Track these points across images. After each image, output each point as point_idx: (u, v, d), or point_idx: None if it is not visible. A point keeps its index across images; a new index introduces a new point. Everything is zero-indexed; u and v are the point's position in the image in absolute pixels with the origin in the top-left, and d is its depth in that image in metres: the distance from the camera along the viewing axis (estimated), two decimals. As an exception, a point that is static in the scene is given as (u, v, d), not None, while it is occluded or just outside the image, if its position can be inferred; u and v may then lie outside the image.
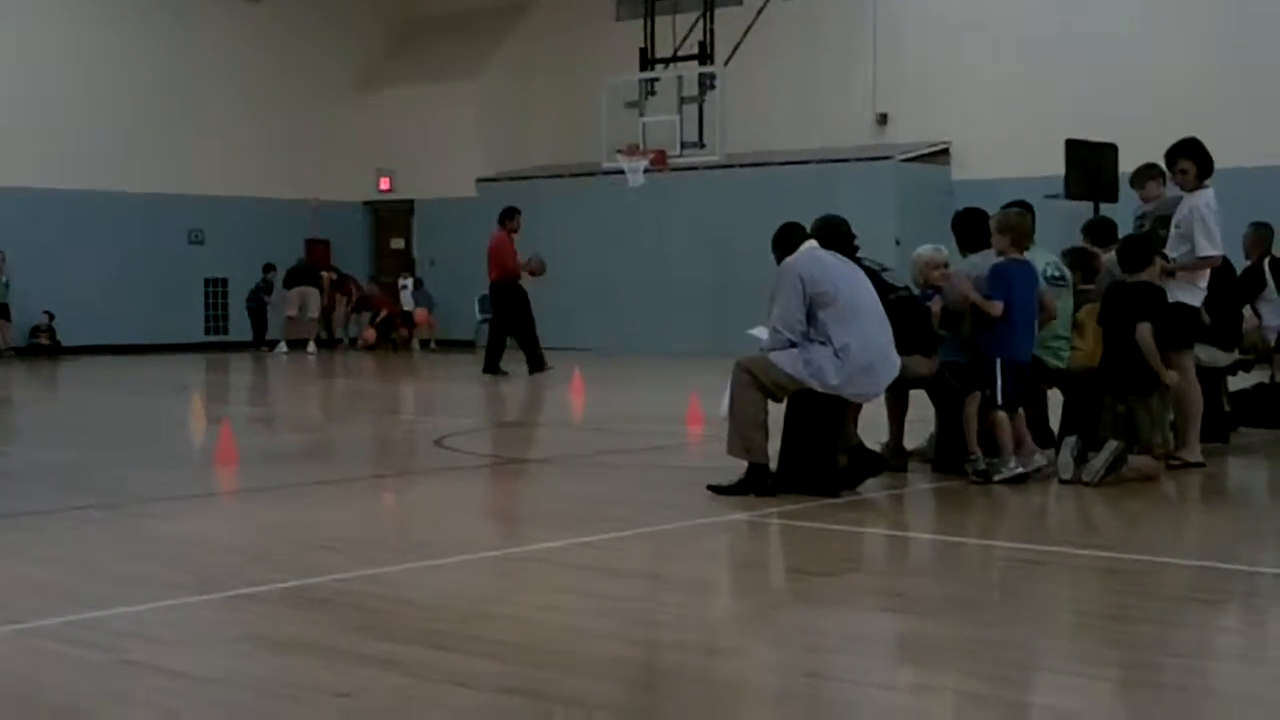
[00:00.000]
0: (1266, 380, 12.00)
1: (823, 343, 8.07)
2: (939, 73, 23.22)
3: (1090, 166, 20.70)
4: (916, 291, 9.19)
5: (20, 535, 7.38)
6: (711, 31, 22.24)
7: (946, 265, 9.28)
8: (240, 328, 26.83)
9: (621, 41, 25.87)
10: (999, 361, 8.60)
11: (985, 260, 9.02)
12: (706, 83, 21.30)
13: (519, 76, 27.66)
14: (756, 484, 8.14)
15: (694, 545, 7.26)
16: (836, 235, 8.68)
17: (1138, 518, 7.95)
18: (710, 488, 8.29)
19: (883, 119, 23.91)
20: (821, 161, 23.19)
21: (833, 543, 7.21)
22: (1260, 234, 11.92)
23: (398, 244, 28.65)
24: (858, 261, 8.61)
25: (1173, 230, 9.61)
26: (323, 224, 28.12)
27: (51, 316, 24.68)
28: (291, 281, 26.23)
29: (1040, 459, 8.77)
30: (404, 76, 28.45)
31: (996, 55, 22.79)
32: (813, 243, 8.44)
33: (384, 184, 28.45)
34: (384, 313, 27.22)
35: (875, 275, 8.73)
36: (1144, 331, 8.68)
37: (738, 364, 8.33)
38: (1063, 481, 8.58)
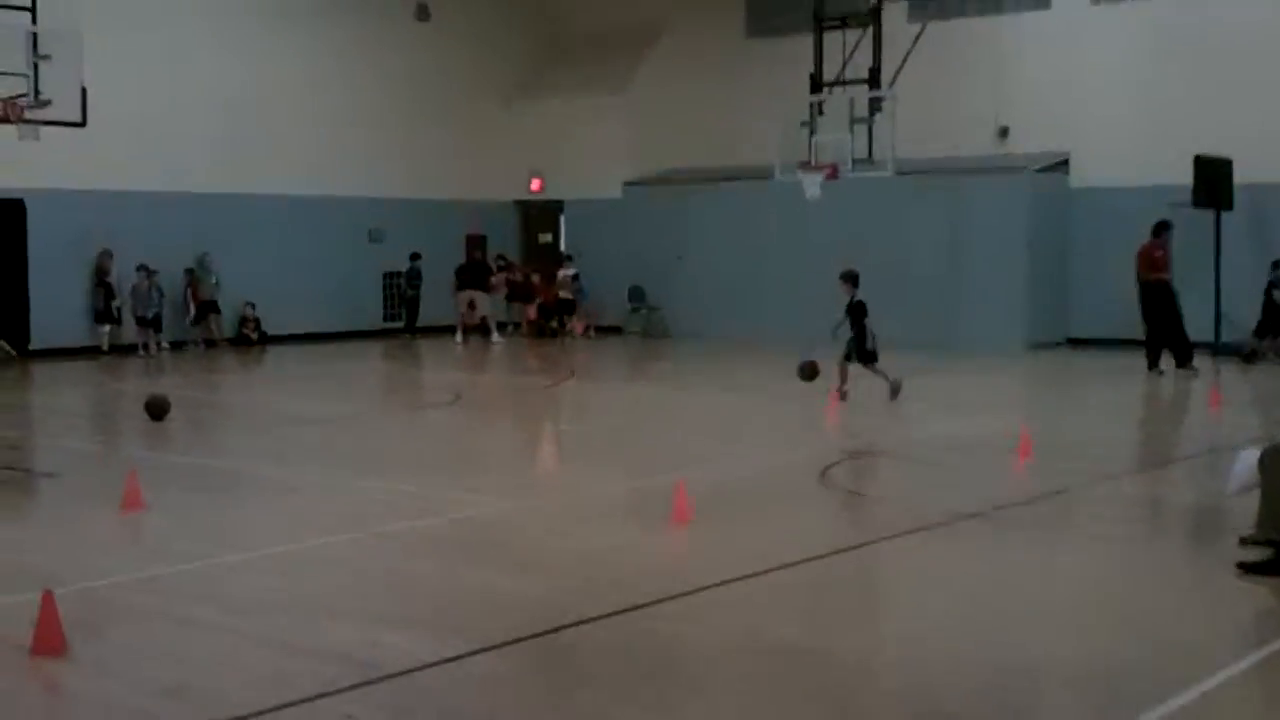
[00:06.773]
0: None
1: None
2: (1058, 88, 22.00)
3: (1212, 180, 19.65)
4: None
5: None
6: (879, 55, 20.61)
7: None
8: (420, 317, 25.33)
9: (750, 57, 24.80)
10: None
11: None
12: (875, 105, 19.88)
13: (658, 89, 25.95)
14: (1288, 565, 7.04)
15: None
16: None
17: None
18: (1240, 565, 7.19)
19: (1004, 132, 22.65)
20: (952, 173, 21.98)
21: None
22: None
23: (545, 239, 27.21)
24: None
25: None
26: (479, 220, 26.68)
27: (254, 307, 23.35)
28: (461, 283, 24.44)
29: None
30: (553, 88, 26.97)
31: (1115, 72, 21.64)
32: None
33: (535, 184, 26.98)
34: (541, 299, 25.79)
35: None
36: None
37: (1274, 448, 7.18)
38: None
